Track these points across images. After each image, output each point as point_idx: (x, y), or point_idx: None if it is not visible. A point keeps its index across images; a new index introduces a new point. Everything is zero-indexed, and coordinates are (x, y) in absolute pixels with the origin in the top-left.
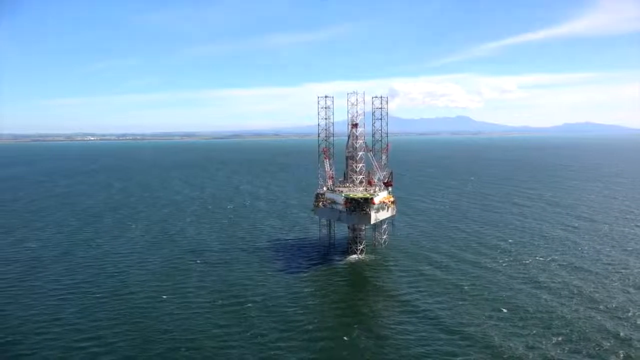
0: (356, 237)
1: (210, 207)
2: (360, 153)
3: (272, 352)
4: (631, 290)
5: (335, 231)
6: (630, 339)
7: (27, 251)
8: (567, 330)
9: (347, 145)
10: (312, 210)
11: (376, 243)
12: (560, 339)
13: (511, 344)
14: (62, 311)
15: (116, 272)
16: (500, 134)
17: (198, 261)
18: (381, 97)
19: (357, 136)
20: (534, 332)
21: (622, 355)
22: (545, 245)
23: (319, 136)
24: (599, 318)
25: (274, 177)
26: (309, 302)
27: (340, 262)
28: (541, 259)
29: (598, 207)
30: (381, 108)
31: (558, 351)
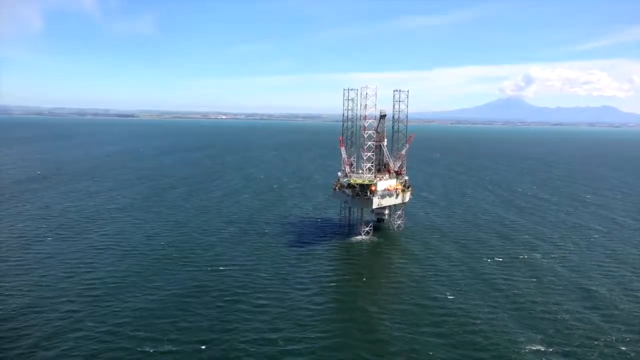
0: (362, 220)
1: (275, 186)
2: (369, 143)
3: (231, 310)
4: (582, 309)
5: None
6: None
7: (104, 209)
8: (481, 327)
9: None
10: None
11: (390, 227)
12: (460, 329)
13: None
14: (86, 255)
15: (150, 235)
16: None
17: (223, 230)
18: (400, 90)
19: (365, 127)
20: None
21: None
22: (552, 249)
23: (342, 125)
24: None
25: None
26: (280, 272)
27: (339, 242)
28: (539, 258)
29: None
30: (400, 101)
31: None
